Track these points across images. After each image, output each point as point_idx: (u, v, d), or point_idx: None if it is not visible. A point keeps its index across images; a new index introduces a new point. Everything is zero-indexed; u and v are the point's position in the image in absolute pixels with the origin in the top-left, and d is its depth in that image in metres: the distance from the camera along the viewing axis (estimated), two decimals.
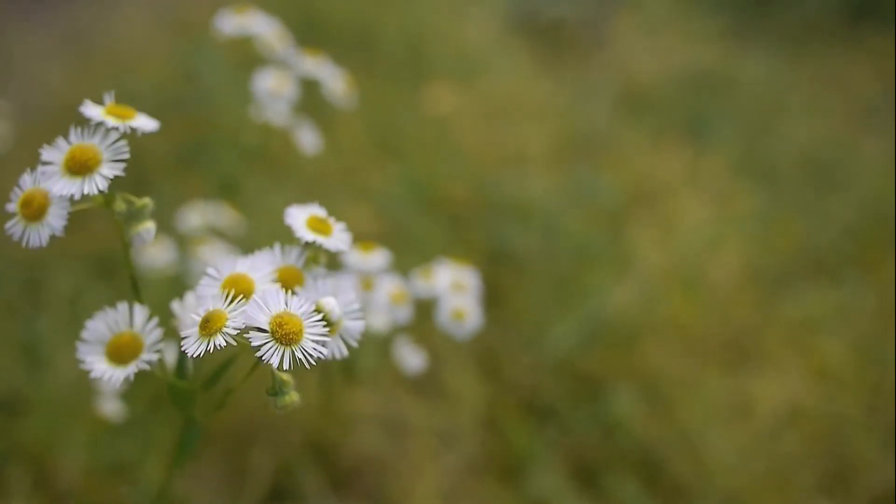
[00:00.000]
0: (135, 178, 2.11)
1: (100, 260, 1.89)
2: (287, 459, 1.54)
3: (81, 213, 0.72)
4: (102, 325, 0.72)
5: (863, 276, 2.12)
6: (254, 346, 0.63)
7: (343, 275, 1.11)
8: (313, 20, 2.96)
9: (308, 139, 1.40)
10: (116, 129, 0.69)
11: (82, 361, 0.70)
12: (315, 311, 0.66)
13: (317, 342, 0.64)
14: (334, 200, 2.22)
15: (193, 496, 1.48)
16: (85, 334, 0.71)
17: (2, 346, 1.64)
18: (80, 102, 0.69)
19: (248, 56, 1.39)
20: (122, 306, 0.73)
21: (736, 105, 2.93)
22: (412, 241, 2.12)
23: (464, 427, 1.69)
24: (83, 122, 0.70)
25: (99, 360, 0.70)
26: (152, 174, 2.12)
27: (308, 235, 0.73)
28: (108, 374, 0.68)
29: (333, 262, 0.86)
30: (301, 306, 0.66)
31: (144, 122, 0.72)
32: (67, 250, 1.89)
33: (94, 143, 0.69)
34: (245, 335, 0.64)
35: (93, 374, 0.68)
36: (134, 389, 1.31)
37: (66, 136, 0.70)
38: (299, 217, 0.75)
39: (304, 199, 0.76)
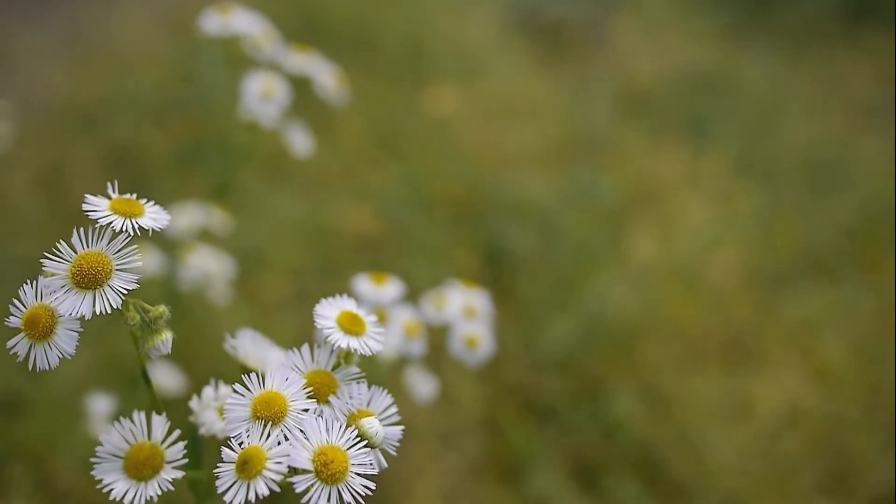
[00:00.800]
0: (135, 178, 2.12)
1: None
2: None
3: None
4: (118, 437, 0.65)
5: (863, 276, 2.12)
6: (298, 492, 0.59)
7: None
8: (314, 21, 2.96)
9: (299, 141, 1.35)
10: (125, 231, 0.62)
11: (99, 481, 0.63)
12: (357, 436, 0.62)
13: (365, 476, 0.60)
14: (335, 200, 2.22)
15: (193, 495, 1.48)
16: (100, 450, 0.64)
17: (2, 346, 1.63)
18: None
19: (247, 55, 1.37)
20: (139, 417, 0.65)
21: (735, 105, 2.92)
22: (412, 241, 2.12)
23: (464, 427, 1.69)
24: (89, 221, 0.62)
25: (118, 479, 0.63)
26: (153, 173, 2.13)
27: (343, 341, 0.67)
28: (130, 494, 0.62)
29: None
30: (342, 436, 0.61)
31: (155, 217, 0.64)
32: None
33: (100, 249, 0.62)
34: (288, 477, 0.60)
35: (114, 496, 0.62)
36: (126, 400, 1.31)
37: (68, 239, 0.62)
38: (330, 316, 0.68)
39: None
